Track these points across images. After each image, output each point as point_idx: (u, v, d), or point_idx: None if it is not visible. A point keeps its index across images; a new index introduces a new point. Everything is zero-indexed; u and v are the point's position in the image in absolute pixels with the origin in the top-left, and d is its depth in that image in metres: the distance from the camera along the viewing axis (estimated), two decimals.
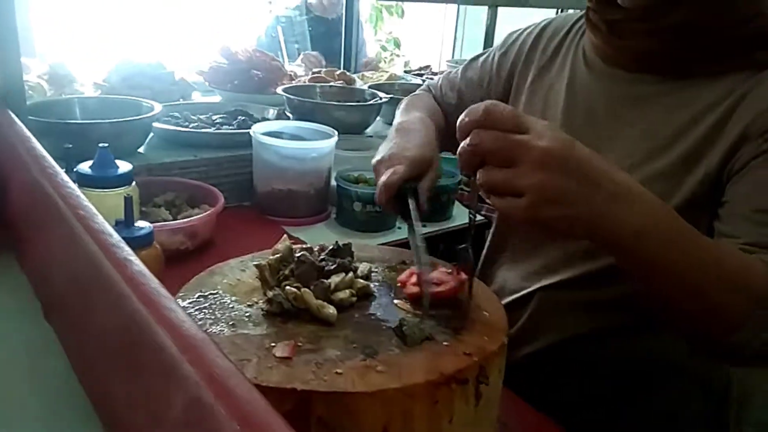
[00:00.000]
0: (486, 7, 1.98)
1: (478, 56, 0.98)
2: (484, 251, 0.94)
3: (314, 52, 2.06)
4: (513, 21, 3.29)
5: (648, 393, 0.77)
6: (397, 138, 0.82)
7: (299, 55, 2.11)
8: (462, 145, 0.52)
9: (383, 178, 0.72)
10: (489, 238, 0.94)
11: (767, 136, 0.64)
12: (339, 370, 0.47)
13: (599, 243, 0.55)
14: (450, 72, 1.02)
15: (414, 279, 0.60)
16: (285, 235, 0.66)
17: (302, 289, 0.55)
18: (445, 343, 0.52)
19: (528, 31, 0.91)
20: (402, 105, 0.96)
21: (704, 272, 0.56)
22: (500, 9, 2.13)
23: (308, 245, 0.67)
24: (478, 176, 0.51)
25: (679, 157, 0.69)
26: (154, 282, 0.46)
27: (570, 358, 0.80)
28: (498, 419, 0.58)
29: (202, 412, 0.34)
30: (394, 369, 0.48)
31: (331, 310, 0.54)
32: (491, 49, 0.97)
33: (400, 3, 4.10)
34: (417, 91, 1.04)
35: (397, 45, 4.61)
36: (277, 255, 0.61)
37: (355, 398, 0.45)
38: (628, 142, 0.73)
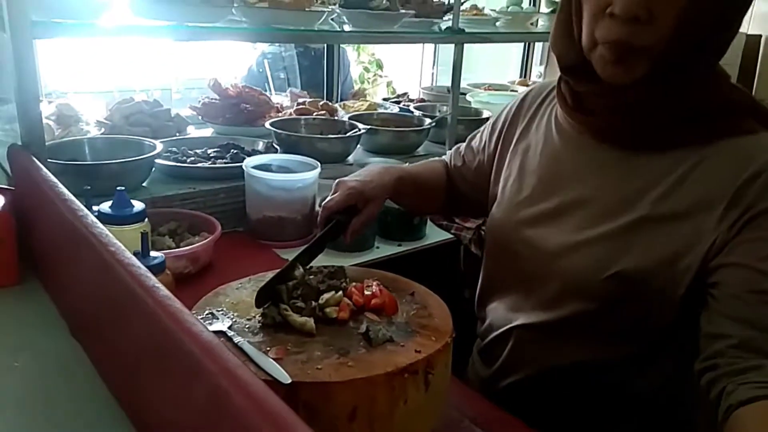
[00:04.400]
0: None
1: (481, 128, 1.08)
2: (477, 293, 1.01)
3: (299, 91, 2.20)
4: (483, 51, 3.46)
5: (616, 423, 0.85)
6: (364, 170, 0.98)
7: (288, 86, 2.26)
8: None
9: (325, 200, 0.90)
10: (480, 283, 1.01)
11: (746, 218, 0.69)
12: (319, 366, 0.62)
13: None
14: (460, 145, 1.11)
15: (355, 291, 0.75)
16: (299, 263, 0.79)
17: (287, 314, 0.70)
18: (401, 344, 0.67)
19: (514, 101, 0.99)
20: None
21: None
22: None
23: (314, 267, 0.81)
24: None
25: (626, 223, 0.76)
26: (177, 303, 0.60)
27: (547, 390, 0.87)
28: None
29: (221, 398, 0.49)
30: (362, 364, 0.63)
31: (311, 324, 0.69)
32: (490, 120, 1.06)
33: None
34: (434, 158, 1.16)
35: (380, 66, 4.78)
36: (294, 281, 0.76)
37: (331, 386, 0.60)
38: (586, 205, 0.80)
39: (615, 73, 0.73)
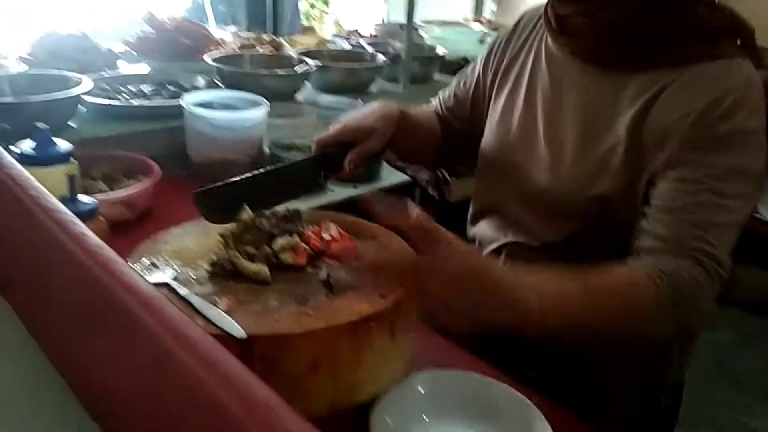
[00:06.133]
0: None
1: (469, 66, 1.06)
2: (469, 215, 1.03)
3: (244, 32, 2.04)
4: None
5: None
6: (364, 107, 0.92)
7: (231, 20, 2.09)
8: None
9: (320, 134, 0.86)
10: (471, 205, 1.03)
11: (684, 146, 0.73)
12: (276, 317, 0.56)
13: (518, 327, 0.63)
14: (443, 90, 1.09)
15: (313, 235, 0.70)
16: (246, 205, 0.72)
17: (237, 260, 0.63)
18: (364, 290, 0.62)
19: (506, 30, 0.99)
20: None
21: (601, 310, 0.68)
22: None
23: (267, 213, 0.74)
24: None
25: (608, 145, 0.79)
26: (110, 252, 0.53)
27: None
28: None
29: (165, 358, 0.42)
30: (323, 313, 0.57)
31: (266, 271, 0.63)
32: (479, 56, 1.04)
33: None
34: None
35: (326, 2, 4.59)
36: (240, 225, 0.68)
37: (290, 339, 0.54)
38: (571, 126, 0.83)
39: None
